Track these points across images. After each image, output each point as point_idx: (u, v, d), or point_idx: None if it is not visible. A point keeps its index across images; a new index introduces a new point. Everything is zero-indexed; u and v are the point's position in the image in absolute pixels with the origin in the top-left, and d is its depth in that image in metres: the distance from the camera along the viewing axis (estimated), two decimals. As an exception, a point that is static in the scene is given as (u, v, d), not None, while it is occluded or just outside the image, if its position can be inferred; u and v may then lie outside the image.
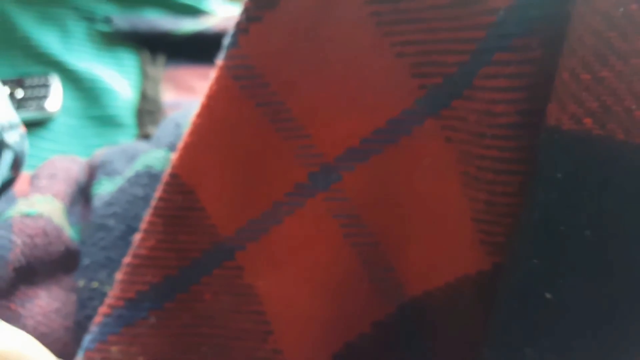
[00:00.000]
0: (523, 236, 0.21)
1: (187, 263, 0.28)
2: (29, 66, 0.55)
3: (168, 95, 0.57)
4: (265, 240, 0.27)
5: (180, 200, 0.28)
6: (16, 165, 0.36)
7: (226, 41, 0.27)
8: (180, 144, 0.27)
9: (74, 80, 0.55)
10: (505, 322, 0.21)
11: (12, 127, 0.38)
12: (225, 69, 0.26)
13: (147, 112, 0.54)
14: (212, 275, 0.27)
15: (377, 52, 0.25)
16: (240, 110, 0.26)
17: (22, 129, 0.38)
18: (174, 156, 0.28)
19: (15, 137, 0.38)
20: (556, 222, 0.20)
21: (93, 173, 0.36)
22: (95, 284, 0.31)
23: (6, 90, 0.39)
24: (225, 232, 0.28)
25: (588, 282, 0.20)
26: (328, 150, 0.27)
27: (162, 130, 0.36)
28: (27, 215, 0.32)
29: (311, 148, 0.27)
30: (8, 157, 0.36)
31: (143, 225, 0.28)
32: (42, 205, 0.33)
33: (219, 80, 0.26)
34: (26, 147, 0.38)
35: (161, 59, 0.59)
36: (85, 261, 0.32)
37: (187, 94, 0.57)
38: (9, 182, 0.36)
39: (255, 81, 0.26)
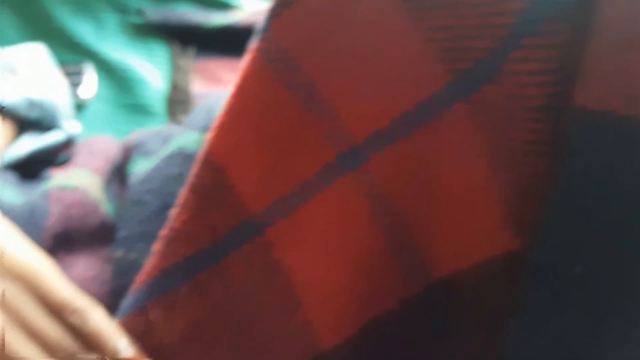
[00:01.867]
0: (552, 212, 0.21)
1: (218, 238, 0.29)
2: (64, 55, 0.57)
3: (197, 86, 0.58)
4: (294, 217, 0.28)
5: (211, 177, 0.29)
6: (66, 145, 0.39)
7: (259, 26, 0.28)
8: (214, 124, 0.28)
9: (108, 70, 0.56)
10: (534, 296, 0.21)
11: (70, 118, 0.42)
12: (258, 52, 0.27)
13: (178, 101, 0.55)
14: (242, 249, 0.28)
15: (407, 37, 0.26)
16: (273, 91, 0.27)
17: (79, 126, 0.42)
18: (208, 135, 0.29)
19: (72, 127, 0.41)
20: (583, 198, 0.20)
21: (128, 154, 0.37)
22: (132, 255, 0.32)
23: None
24: (254, 209, 0.29)
25: (617, 255, 0.20)
26: (357, 132, 0.27)
27: (195, 115, 0.37)
28: (64, 187, 0.33)
29: (340, 129, 0.27)
30: (61, 135, 0.39)
31: (178, 200, 0.29)
32: (79, 179, 0.34)
33: (252, 62, 0.27)
34: (78, 137, 0.41)
35: (191, 51, 0.60)
36: (123, 233, 0.33)
37: (216, 85, 0.58)
38: (63, 161, 0.38)
39: (288, 64, 0.27)
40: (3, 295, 0.28)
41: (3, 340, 0.27)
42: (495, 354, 0.24)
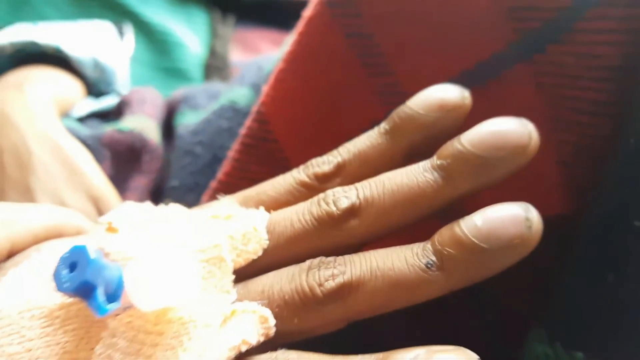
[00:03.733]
0: (618, 166, 0.20)
1: None
2: (105, 15, 0.57)
3: (235, 55, 0.57)
4: None
5: (257, 129, 0.28)
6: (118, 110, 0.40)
7: None
8: (273, 72, 0.28)
9: (147, 32, 0.56)
10: (588, 250, 0.21)
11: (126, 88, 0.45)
12: None
13: (215, 68, 0.55)
14: None
15: None
16: (329, 39, 0.26)
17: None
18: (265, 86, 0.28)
19: None
20: None
21: (174, 107, 0.37)
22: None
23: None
24: (298, 166, 0.28)
25: None
26: (411, 90, 0.26)
27: (245, 71, 0.37)
28: (120, 130, 0.33)
29: (394, 86, 0.27)
30: (115, 100, 0.40)
31: (230, 152, 0.29)
32: (134, 123, 0.34)
33: (315, 6, 0.26)
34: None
35: (231, 20, 0.60)
36: (174, 182, 0.33)
37: (253, 55, 0.58)
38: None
39: (348, 10, 0.26)
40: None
41: None
42: (537, 314, 0.23)
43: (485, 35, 0.25)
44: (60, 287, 0.17)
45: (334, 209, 0.19)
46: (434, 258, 0.17)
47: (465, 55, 0.25)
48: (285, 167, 0.28)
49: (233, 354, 0.17)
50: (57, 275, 0.17)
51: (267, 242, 0.19)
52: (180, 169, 0.33)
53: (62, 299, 0.18)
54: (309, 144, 0.28)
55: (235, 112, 0.32)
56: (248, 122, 0.28)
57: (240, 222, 0.20)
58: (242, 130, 0.29)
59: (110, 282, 0.17)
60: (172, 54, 0.55)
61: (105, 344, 0.17)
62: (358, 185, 0.20)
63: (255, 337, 0.17)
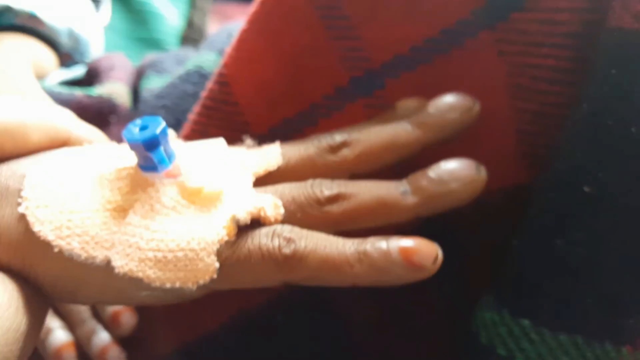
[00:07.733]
0: (570, 130, 0.20)
1: None
2: (81, -18, 0.56)
3: (214, 28, 0.57)
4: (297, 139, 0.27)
5: (218, 91, 0.28)
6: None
7: None
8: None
9: (124, 1, 0.55)
10: (538, 215, 0.21)
11: None
12: None
13: (192, 40, 0.54)
14: None
15: None
16: (294, 1, 0.26)
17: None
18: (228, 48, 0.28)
19: None
20: (604, 115, 0.19)
21: (141, 72, 0.36)
22: None
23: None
24: (258, 131, 0.28)
25: (628, 177, 0.19)
26: (375, 56, 0.26)
27: (214, 37, 0.36)
28: (88, 96, 0.33)
29: (359, 51, 0.26)
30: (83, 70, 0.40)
31: (190, 115, 0.28)
32: (102, 89, 0.34)
33: None
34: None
35: (211, -7, 0.59)
36: None
37: (232, 29, 0.57)
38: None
39: None
40: None
41: None
42: (489, 283, 0.23)
43: (450, 1, 0.25)
44: (130, 137, 0.20)
45: (331, 141, 0.25)
46: (408, 187, 0.23)
47: (430, 21, 0.25)
48: (244, 131, 0.28)
49: (255, 211, 0.22)
50: (127, 130, 0.21)
51: (281, 160, 0.25)
52: None
53: (114, 167, 0.22)
54: (269, 108, 0.27)
55: (202, 77, 0.32)
56: (209, 84, 0.28)
57: (261, 150, 0.26)
58: (204, 93, 0.28)
59: (167, 150, 0.21)
60: (148, 24, 0.54)
61: (149, 194, 0.22)
62: (351, 130, 0.25)
63: (270, 212, 0.22)
